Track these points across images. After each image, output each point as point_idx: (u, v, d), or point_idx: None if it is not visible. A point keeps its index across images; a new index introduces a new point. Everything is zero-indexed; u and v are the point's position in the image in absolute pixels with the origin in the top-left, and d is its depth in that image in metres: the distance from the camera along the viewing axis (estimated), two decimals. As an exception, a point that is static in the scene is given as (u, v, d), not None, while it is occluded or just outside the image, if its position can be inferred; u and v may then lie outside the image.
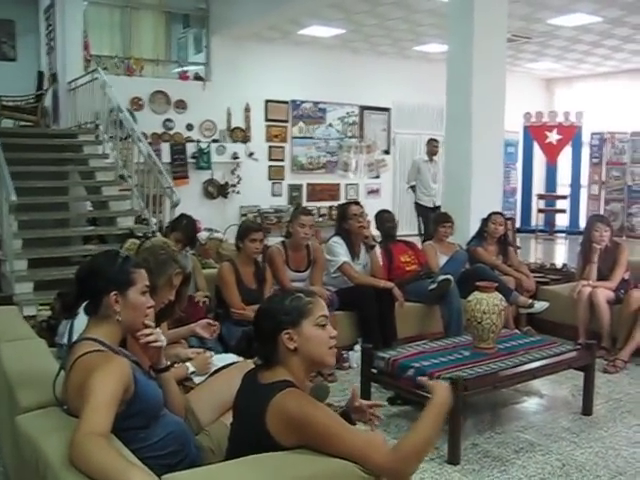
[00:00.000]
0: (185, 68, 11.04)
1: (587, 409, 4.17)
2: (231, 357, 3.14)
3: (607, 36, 10.76)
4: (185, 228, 5.04)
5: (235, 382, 2.28)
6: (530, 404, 4.51)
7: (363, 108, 12.47)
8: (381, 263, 5.58)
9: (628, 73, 13.91)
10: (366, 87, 12.24)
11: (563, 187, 12.95)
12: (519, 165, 13.40)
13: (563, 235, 12.64)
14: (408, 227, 10.53)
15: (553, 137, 12.09)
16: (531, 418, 4.26)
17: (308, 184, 11.92)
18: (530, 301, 5.72)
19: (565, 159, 12.53)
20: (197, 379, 2.94)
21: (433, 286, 5.42)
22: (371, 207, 6.21)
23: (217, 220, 9.57)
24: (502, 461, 3.51)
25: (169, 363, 2.50)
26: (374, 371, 3.92)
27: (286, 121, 11.66)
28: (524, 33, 10.28)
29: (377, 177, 12.62)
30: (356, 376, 4.22)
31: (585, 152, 13.51)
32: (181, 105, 10.48)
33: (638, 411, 4.30)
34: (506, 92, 6.97)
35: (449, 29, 7.04)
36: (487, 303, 4.00)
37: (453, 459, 3.46)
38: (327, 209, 11.13)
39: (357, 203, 5.60)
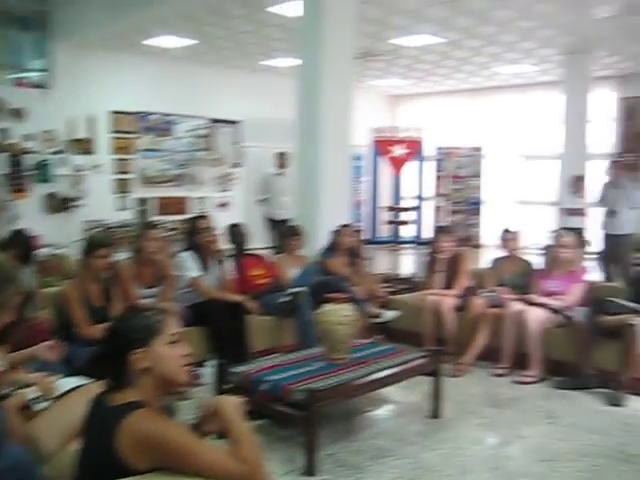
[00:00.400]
0: (23, 74, 10.44)
1: (436, 412, 4.34)
2: (78, 380, 2.97)
3: (447, 57, 11.35)
4: (21, 244, 4.75)
5: (82, 406, 2.15)
6: (382, 411, 4.62)
7: (213, 121, 12.36)
8: (232, 277, 5.54)
9: (466, 92, 14.76)
10: (216, 100, 12.16)
11: (409, 199, 13.44)
12: (367, 178, 13.79)
13: (410, 246, 13.14)
14: (260, 240, 10.53)
15: (398, 151, 12.54)
16: (384, 424, 4.36)
17: (156, 197, 11.64)
18: (380, 311, 5.88)
19: (410, 173, 13.02)
20: (41, 405, 2.75)
21: (285, 299, 5.44)
22: (222, 220, 6.14)
23: (60, 235, 9.09)
24: (358, 469, 3.56)
25: (9, 389, 2.32)
26: (228, 386, 3.85)
27: (133, 133, 11.32)
28: (371, 51, 10.63)
29: (227, 191, 12.56)
30: (209, 392, 4.13)
31: (429, 166, 14.15)
32: (19, 114, 9.89)
33: (481, 411, 4.54)
34: (353, 107, 7.14)
35: (299, 45, 7.12)
36: (338, 314, 4.06)
37: (310, 470, 3.47)
38: (176, 223, 10.89)
39: (205, 217, 5.53)
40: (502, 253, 6.10)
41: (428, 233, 10.78)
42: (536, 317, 5.19)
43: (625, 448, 3.92)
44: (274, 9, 8.16)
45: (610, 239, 8.51)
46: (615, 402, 4.65)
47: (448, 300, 5.61)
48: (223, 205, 12.33)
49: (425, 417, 4.34)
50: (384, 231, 12.93)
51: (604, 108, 12.70)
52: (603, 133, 12.77)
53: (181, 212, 11.52)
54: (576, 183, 9.68)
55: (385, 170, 12.99)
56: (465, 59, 11.48)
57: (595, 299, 5.17)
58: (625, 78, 12.65)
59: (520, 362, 5.23)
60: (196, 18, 8.82)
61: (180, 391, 2.17)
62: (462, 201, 14.48)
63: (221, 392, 3.87)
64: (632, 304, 4.93)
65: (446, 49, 10.62)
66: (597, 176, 11.42)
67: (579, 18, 8.79)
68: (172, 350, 2.07)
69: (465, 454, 3.79)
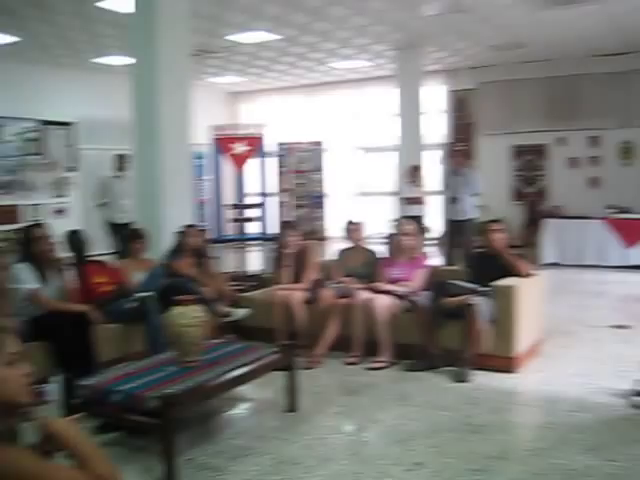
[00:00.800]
0: None
1: (293, 406, 4.36)
2: None
3: (284, 53, 11.45)
4: None
5: None
6: (240, 410, 4.60)
7: (44, 123, 11.72)
8: (74, 286, 5.29)
9: (305, 88, 14.97)
10: (46, 100, 11.54)
11: (253, 196, 13.46)
12: (209, 177, 13.65)
13: (256, 242, 13.17)
14: (101, 246, 10.13)
15: (240, 148, 12.51)
16: (242, 423, 4.35)
17: (-15, 206, 10.88)
18: (230, 309, 5.84)
19: (253, 169, 13.04)
20: None
21: (132, 305, 5.26)
22: (59, 228, 5.83)
23: None
24: (219, 470, 3.51)
25: None
26: (77, 401, 3.67)
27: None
28: (207, 48, 10.52)
29: (63, 196, 11.98)
30: (57, 410, 3.92)
31: (271, 162, 14.23)
32: None
33: (336, 400, 4.62)
34: (193, 105, 7.03)
35: (132, 42, 6.90)
36: (188, 316, 3.98)
37: (169, 478, 3.37)
38: (8, 233, 10.20)
39: (40, 225, 5.22)
40: (347, 244, 6.23)
41: (274, 229, 10.85)
42: (383, 304, 5.36)
43: (472, 420, 4.14)
44: (104, 4, 7.87)
45: (453, 225, 8.96)
46: (461, 379, 4.89)
47: (297, 294, 5.67)
48: (59, 212, 11.76)
49: (283, 412, 4.36)
50: (230, 229, 12.88)
51: (436, 101, 13.35)
52: (436, 124, 13.43)
53: (13, 221, 10.82)
54: (413, 173, 10.10)
55: (228, 168, 12.94)
56: (302, 55, 11.65)
57: (437, 282, 5.41)
58: (453, 72, 13.38)
59: (371, 349, 5.38)
60: (17, 13, 8.30)
61: (23, 413, 2.03)
62: (305, 195, 14.70)
63: (70, 408, 3.68)
64: (471, 285, 5.22)
65: (283, 45, 10.72)
66: (433, 165, 12.02)
67: (409, 15, 9.17)
68: (12, 371, 1.92)
69: (324, 443, 3.84)
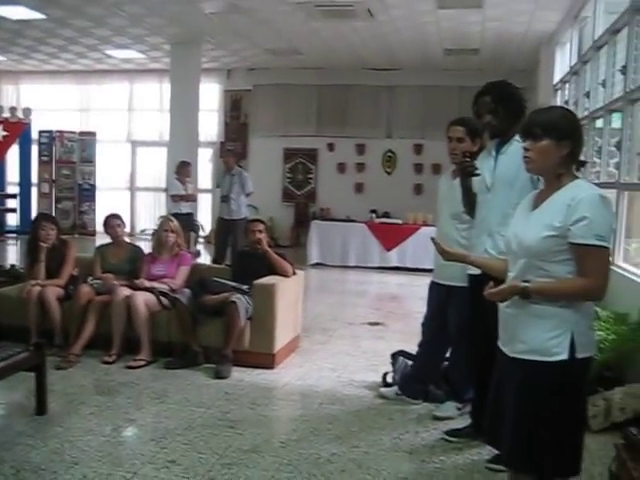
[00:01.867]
0: None
1: (41, 409, 4.13)
2: None
3: (52, 35, 10.80)
4: None
5: None
6: (-22, 415, 4.25)
7: None
8: None
9: (74, 74, 14.24)
10: None
11: (12, 186, 12.60)
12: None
13: (14, 235, 12.31)
14: None
15: (-1, 133, 11.63)
16: (-21, 430, 4.02)
17: None
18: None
19: (13, 157, 12.20)
20: None
21: None
22: None
23: None
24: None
25: None
26: None
27: None
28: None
29: None
30: None
31: (34, 150, 13.38)
32: None
33: (91, 401, 4.45)
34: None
35: None
36: None
37: None
38: None
39: None
40: (109, 239, 6.04)
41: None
42: (144, 301, 5.25)
43: (228, 415, 4.20)
44: None
45: (225, 223, 9.03)
46: (221, 375, 4.93)
47: (53, 290, 5.41)
48: None
49: (29, 415, 4.10)
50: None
51: (210, 99, 13.38)
52: (211, 122, 13.46)
53: None
54: (183, 169, 9.95)
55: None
56: (72, 39, 11.09)
57: (199, 280, 5.41)
58: (229, 72, 13.51)
59: (131, 347, 5.25)
60: None
61: None
62: (72, 187, 13.98)
63: None
64: (233, 283, 5.28)
65: (50, 26, 10.13)
66: (205, 163, 12.01)
67: (187, 10, 9.08)
68: None
69: (74, 447, 3.67)
